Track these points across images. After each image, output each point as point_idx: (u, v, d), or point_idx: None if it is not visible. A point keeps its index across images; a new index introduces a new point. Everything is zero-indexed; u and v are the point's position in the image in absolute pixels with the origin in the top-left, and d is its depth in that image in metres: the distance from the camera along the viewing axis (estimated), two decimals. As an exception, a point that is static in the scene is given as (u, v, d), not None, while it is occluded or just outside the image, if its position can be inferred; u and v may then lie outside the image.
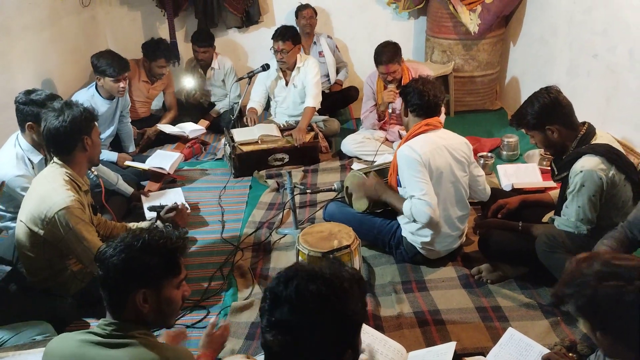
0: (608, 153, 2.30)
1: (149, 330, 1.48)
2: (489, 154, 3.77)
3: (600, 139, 2.40)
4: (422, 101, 2.59)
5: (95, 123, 2.46)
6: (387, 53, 3.61)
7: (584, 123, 2.44)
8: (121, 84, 3.52)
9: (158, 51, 4.11)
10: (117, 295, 1.43)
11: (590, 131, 2.41)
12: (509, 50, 4.87)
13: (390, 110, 3.71)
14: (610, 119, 3.32)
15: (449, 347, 1.93)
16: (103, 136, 3.77)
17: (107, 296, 1.44)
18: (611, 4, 3.26)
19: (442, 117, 3.82)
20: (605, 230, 2.27)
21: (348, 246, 2.08)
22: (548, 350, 1.92)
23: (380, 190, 2.72)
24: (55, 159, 2.35)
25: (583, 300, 1.30)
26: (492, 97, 5.00)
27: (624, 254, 1.84)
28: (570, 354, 1.88)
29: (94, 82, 3.64)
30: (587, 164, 2.27)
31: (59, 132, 2.27)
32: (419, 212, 2.49)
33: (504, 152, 3.93)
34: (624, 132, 3.18)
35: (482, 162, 3.69)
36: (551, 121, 2.37)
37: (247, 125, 4.15)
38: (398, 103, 3.37)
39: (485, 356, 2.03)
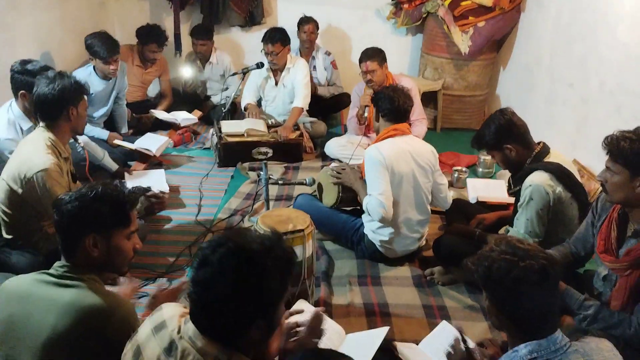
0: (557, 171, 2.45)
1: (98, 277, 1.62)
2: (464, 169, 3.91)
3: (554, 157, 2.55)
4: (392, 106, 2.75)
5: (85, 97, 2.62)
6: (369, 52, 3.82)
7: (539, 142, 2.59)
8: (112, 66, 3.68)
9: (150, 36, 4.28)
10: (70, 239, 1.57)
11: (545, 150, 2.56)
12: (499, 74, 5.04)
13: (366, 114, 3.85)
14: (579, 146, 3.47)
15: (382, 331, 2.05)
16: (97, 114, 3.95)
17: (61, 239, 1.59)
18: (590, 37, 3.43)
19: (423, 130, 4.00)
20: (551, 246, 2.41)
21: (302, 230, 2.22)
22: (474, 344, 2.04)
23: (353, 178, 2.88)
24: (41, 123, 2.51)
25: (482, 269, 1.47)
26: (480, 117, 5.13)
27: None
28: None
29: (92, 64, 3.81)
30: (536, 179, 2.41)
31: (47, 99, 2.42)
32: (373, 209, 2.64)
33: (480, 169, 4.07)
34: (590, 160, 3.32)
35: (456, 175, 3.83)
36: (508, 141, 2.52)
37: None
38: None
39: (417, 344, 2.15)
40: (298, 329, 1.67)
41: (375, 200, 2.63)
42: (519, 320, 1.43)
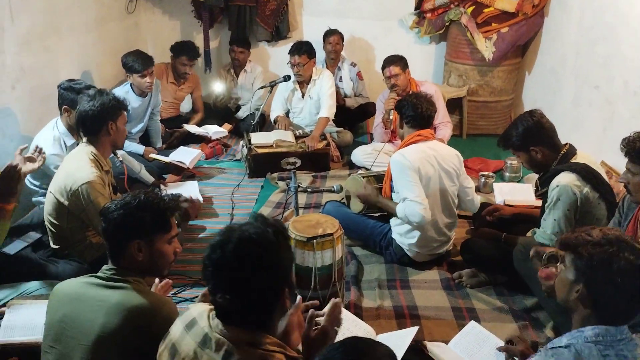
0: (584, 171, 2.47)
1: (142, 279, 1.74)
2: (490, 174, 3.95)
3: (580, 158, 2.57)
4: (416, 113, 2.82)
5: (124, 112, 2.77)
6: (391, 58, 3.95)
7: (565, 144, 2.62)
8: (147, 79, 3.87)
9: (182, 50, 4.50)
10: (116, 245, 1.70)
11: (571, 151, 2.59)
12: (524, 79, 5.05)
13: (391, 117, 3.92)
14: (606, 148, 3.45)
15: (412, 331, 2.12)
16: (134, 130, 4.13)
17: (108, 245, 1.71)
18: (612, 38, 3.44)
19: (448, 133, 4.06)
20: (579, 246, 2.43)
21: (331, 234, 2.30)
22: (503, 343, 2.08)
23: (375, 196, 2.96)
24: (83, 139, 2.67)
25: (599, 261, 1.42)
26: (506, 123, 5.12)
27: None
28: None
29: (129, 81, 4.00)
30: (563, 180, 2.44)
31: (88, 115, 2.58)
32: (412, 212, 2.69)
33: (507, 174, 4.09)
34: (617, 161, 3.30)
35: (483, 180, 3.87)
36: (535, 143, 2.55)
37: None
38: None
39: (447, 344, 2.21)
40: (318, 319, 1.75)
41: (413, 203, 2.68)
42: (608, 308, 1.45)
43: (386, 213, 3.07)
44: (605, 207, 2.49)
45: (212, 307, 1.47)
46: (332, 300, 1.70)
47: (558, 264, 1.60)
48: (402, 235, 2.89)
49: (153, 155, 4.02)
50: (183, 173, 4.03)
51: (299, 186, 3.28)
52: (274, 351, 1.35)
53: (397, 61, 3.91)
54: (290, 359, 1.38)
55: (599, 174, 2.52)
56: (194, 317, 1.46)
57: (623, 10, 3.31)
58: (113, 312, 1.59)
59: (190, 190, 3.68)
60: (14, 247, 2.76)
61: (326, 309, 1.69)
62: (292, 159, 4.10)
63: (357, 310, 2.58)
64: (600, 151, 3.45)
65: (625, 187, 2.15)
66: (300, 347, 1.59)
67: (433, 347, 2.11)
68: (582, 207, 2.44)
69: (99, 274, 1.71)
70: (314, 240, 2.26)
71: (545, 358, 1.43)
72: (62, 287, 1.73)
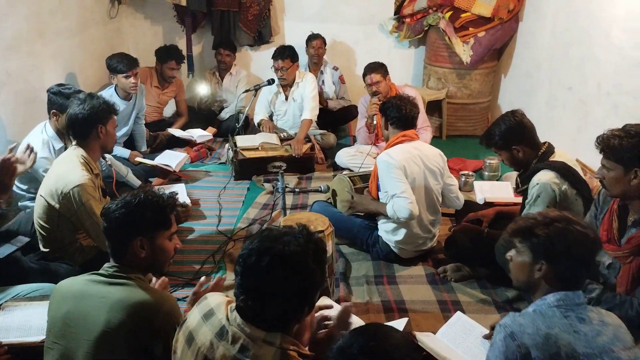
0: (562, 169, 2.58)
1: (143, 276, 1.78)
2: (471, 173, 4.07)
3: (558, 157, 2.69)
4: (400, 114, 2.91)
5: (114, 116, 2.79)
6: (372, 65, 4.05)
7: (544, 142, 2.74)
8: (132, 80, 3.89)
9: (169, 54, 4.54)
10: (119, 243, 1.74)
11: (550, 149, 2.70)
12: (501, 81, 5.21)
13: (375, 122, 4.03)
14: (581, 146, 3.61)
15: (402, 322, 2.20)
16: (118, 134, 4.12)
17: (110, 244, 1.75)
18: (586, 41, 3.60)
19: (429, 138, 4.16)
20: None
21: (322, 231, 2.37)
22: (488, 331, 2.18)
23: (365, 203, 3.05)
24: (73, 142, 2.69)
25: (556, 236, 1.59)
26: (484, 124, 5.30)
27: None
28: None
29: (114, 85, 4.02)
30: (543, 178, 2.55)
31: (78, 119, 2.61)
32: (400, 208, 2.77)
33: (486, 173, 4.22)
34: (591, 159, 3.46)
35: (463, 179, 3.99)
36: (516, 142, 2.65)
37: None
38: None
39: (434, 334, 2.29)
40: (327, 322, 1.82)
41: (400, 199, 2.76)
42: (568, 277, 1.62)
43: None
44: (582, 203, 2.62)
45: (229, 298, 1.52)
46: (344, 305, 1.78)
47: (507, 253, 1.75)
48: (389, 233, 2.98)
49: (139, 159, 4.04)
50: (169, 176, 4.05)
51: (286, 187, 3.34)
52: (288, 349, 1.39)
53: (378, 68, 4.01)
54: (304, 358, 1.42)
55: (576, 171, 2.64)
56: (212, 308, 1.50)
57: (595, 14, 3.47)
58: (116, 308, 1.63)
59: (177, 193, 3.70)
60: (3, 251, 2.75)
61: (337, 313, 1.75)
62: (278, 163, 4.18)
63: (347, 305, 2.66)
64: (575, 150, 3.60)
65: (601, 182, 2.27)
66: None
67: (422, 336, 2.19)
68: (560, 203, 2.55)
69: (101, 271, 1.75)
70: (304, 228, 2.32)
71: (512, 318, 1.60)
72: (65, 285, 1.76)
